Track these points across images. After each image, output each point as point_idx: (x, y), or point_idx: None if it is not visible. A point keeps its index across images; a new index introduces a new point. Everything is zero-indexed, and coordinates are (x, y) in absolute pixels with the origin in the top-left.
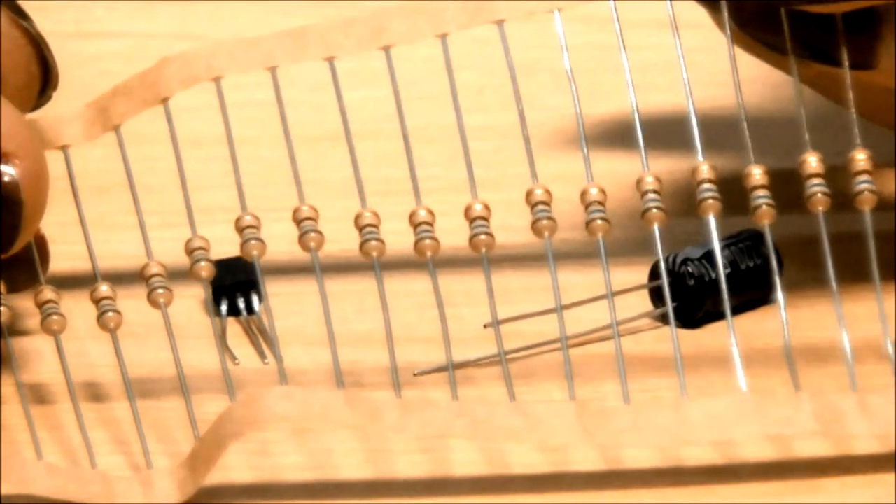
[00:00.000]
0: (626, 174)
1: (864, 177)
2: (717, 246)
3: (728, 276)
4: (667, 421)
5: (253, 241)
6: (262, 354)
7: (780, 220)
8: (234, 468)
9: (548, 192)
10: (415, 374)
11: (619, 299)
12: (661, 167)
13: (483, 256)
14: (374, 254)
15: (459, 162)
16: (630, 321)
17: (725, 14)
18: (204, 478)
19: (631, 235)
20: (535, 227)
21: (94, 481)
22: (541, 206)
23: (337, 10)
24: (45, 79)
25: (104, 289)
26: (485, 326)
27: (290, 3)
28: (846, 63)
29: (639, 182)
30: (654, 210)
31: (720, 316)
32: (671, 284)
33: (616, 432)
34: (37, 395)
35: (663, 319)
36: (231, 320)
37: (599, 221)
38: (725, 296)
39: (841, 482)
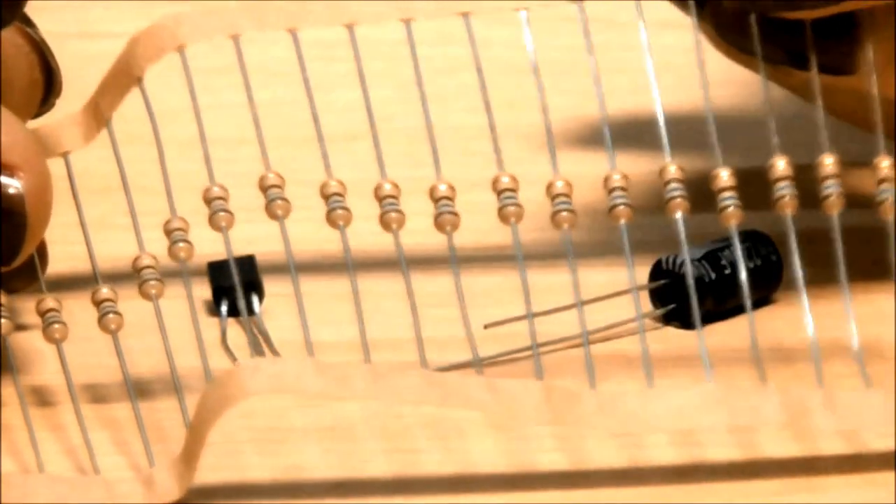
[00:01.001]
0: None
1: (832, 181)
2: (684, 244)
3: (728, 277)
4: (633, 407)
5: (221, 213)
6: (261, 355)
7: (779, 217)
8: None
9: (514, 179)
10: None
11: (618, 300)
12: (658, 168)
13: (448, 233)
14: (341, 223)
15: (457, 161)
16: (629, 322)
17: (693, 15)
18: (196, 467)
19: (630, 236)
20: (502, 214)
21: (96, 486)
22: (507, 194)
23: None
24: (48, 85)
25: (105, 291)
26: (485, 327)
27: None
28: (815, 68)
29: (606, 180)
30: (621, 207)
31: (720, 317)
32: (671, 285)
33: (582, 415)
34: (38, 396)
35: (662, 320)
36: (231, 321)
37: (565, 213)
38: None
39: (840, 482)
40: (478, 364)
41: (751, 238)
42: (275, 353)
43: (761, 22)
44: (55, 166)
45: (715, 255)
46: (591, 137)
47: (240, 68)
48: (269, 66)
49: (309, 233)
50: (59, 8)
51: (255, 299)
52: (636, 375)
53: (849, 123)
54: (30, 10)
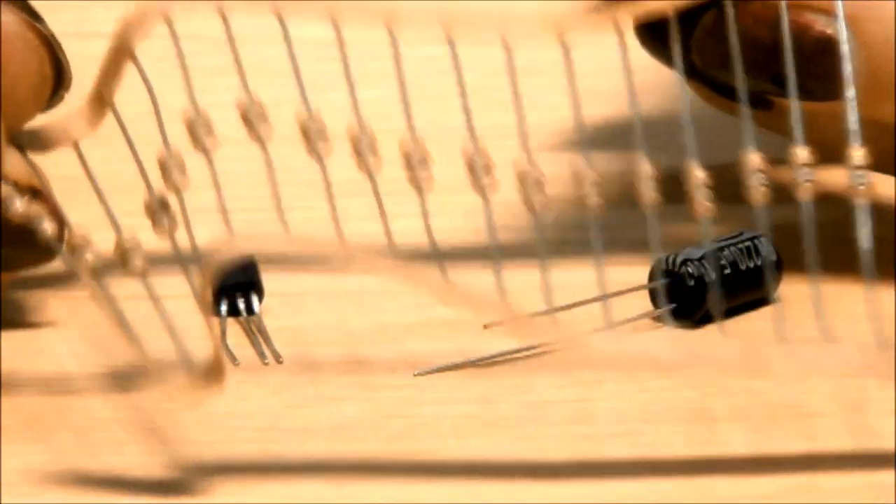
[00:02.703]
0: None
1: (806, 170)
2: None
3: (728, 277)
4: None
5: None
6: (261, 355)
7: (779, 213)
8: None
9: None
10: (414, 375)
11: (619, 299)
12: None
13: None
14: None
15: (457, 161)
16: (630, 321)
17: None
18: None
19: (632, 235)
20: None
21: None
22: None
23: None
24: (57, 80)
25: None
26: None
27: (288, 2)
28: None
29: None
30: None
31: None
32: (672, 284)
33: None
34: (46, 389)
35: (663, 319)
36: (230, 320)
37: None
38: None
39: (840, 480)
40: (469, 365)
41: (750, 238)
42: (275, 352)
43: (744, 50)
44: (64, 164)
45: (714, 255)
46: (591, 137)
47: (229, 44)
48: (267, 67)
49: (310, 232)
50: (59, 8)
51: (254, 299)
52: (636, 375)
53: (834, 164)
54: None
